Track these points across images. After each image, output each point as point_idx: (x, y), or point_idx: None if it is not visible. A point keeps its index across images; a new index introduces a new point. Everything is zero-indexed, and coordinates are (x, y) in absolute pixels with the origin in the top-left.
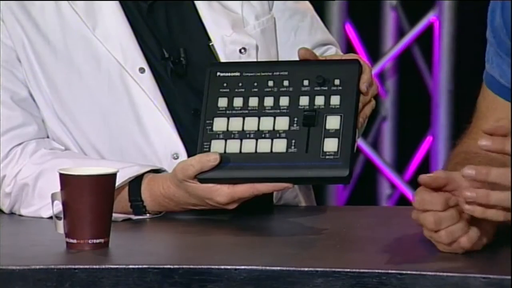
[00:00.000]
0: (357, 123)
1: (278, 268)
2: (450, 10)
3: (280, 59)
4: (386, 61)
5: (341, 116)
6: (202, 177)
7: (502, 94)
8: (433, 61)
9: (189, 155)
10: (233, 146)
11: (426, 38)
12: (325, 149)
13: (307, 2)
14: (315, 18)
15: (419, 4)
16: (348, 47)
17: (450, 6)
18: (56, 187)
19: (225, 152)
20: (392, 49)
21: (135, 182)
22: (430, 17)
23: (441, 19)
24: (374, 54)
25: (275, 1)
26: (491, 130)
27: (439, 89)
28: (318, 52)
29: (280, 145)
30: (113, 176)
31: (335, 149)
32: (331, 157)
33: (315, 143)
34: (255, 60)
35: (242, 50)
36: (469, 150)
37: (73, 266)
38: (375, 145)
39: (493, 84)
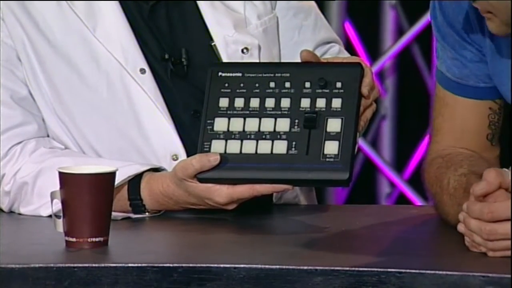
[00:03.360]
0: (358, 126)
1: (278, 266)
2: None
3: (284, 58)
4: (385, 60)
5: (342, 119)
6: (201, 176)
7: (450, 88)
8: (433, 59)
9: (188, 157)
10: (233, 146)
11: (426, 37)
12: (325, 152)
13: (311, 0)
14: (319, 16)
15: (418, 3)
16: (348, 46)
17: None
18: (56, 186)
19: (225, 152)
20: (391, 48)
21: (135, 181)
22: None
23: None
24: (374, 53)
25: (278, 0)
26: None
27: None
28: (321, 50)
29: (280, 147)
30: (112, 174)
31: (336, 151)
32: (332, 159)
33: (315, 145)
34: (257, 60)
35: (245, 50)
36: (442, 154)
37: (72, 265)
38: (375, 144)
39: (443, 80)
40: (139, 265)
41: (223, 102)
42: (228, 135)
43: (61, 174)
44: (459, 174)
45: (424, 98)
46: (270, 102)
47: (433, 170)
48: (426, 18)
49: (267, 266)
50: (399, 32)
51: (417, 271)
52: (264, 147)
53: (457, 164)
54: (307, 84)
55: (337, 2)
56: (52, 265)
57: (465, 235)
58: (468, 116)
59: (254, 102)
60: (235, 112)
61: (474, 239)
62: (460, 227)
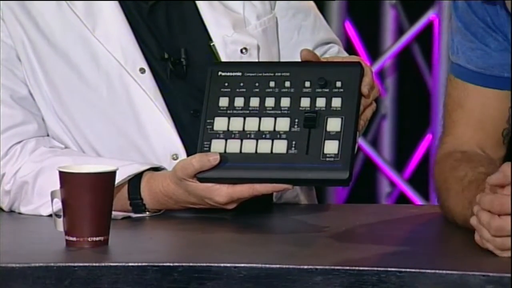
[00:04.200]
0: (358, 125)
1: (278, 266)
2: (449, 8)
3: (283, 58)
4: (385, 59)
5: (342, 118)
6: (201, 176)
7: (472, 80)
8: (433, 59)
9: (188, 156)
10: (233, 146)
11: (426, 36)
12: (325, 151)
13: (311, 1)
14: (318, 17)
15: (418, 2)
16: (348, 46)
17: (449, 4)
18: (56, 185)
19: (225, 151)
20: (391, 47)
21: (135, 180)
22: (430, 15)
23: (440, 17)
24: (374, 52)
25: (277, 0)
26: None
27: (438, 87)
28: (320, 50)
29: (280, 146)
30: (112, 174)
31: (336, 151)
32: (331, 159)
33: (315, 144)
34: (256, 60)
35: (244, 50)
36: (460, 149)
37: (72, 264)
38: (375, 143)
39: (462, 73)
40: (139, 264)
41: (223, 102)
42: (228, 135)
43: (61, 174)
44: (479, 171)
45: (424, 98)
46: (270, 102)
47: (449, 160)
48: (426, 17)
49: (267, 266)
50: (399, 32)
51: (417, 270)
52: (264, 146)
53: (477, 162)
54: (307, 84)
55: (337, 2)
56: (52, 264)
57: (476, 230)
58: (489, 106)
59: (254, 102)
60: (235, 111)
61: (482, 234)
62: (473, 220)
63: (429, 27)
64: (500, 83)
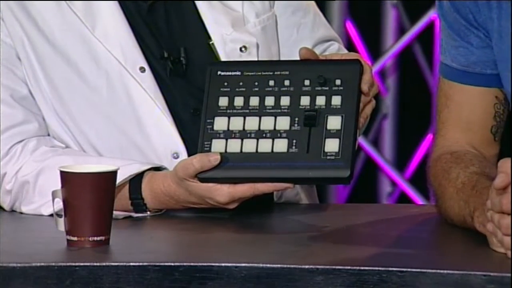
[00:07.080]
0: (358, 123)
1: (279, 265)
2: None
3: (283, 56)
4: (387, 59)
5: (342, 116)
6: (202, 176)
7: (456, 78)
8: (434, 58)
9: (189, 155)
10: (233, 145)
11: (427, 36)
12: (326, 150)
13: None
14: (317, 14)
15: (420, 2)
16: (349, 45)
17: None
18: (57, 185)
19: (225, 151)
20: (393, 46)
21: (136, 180)
22: (431, 14)
23: None
24: (375, 52)
25: None
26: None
27: None
28: (321, 48)
29: (281, 145)
30: (113, 173)
31: (336, 149)
32: (332, 157)
33: (316, 143)
34: (256, 58)
35: (243, 49)
36: (450, 150)
37: (73, 264)
38: (376, 143)
39: (447, 72)
40: (140, 264)
41: (223, 101)
42: (228, 134)
43: (62, 173)
44: (470, 171)
45: (425, 97)
46: (269, 101)
47: (440, 164)
48: (427, 17)
49: (268, 265)
50: (401, 31)
51: (418, 270)
52: (265, 145)
53: (468, 162)
54: (307, 82)
55: (338, 2)
56: (53, 264)
57: (493, 234)
58: (474, 105)
59: (254, 101)
60: (235, 111)
61: (497, 235)
62: (489, 226)
63: (430, 27)
64: (483, 80)
